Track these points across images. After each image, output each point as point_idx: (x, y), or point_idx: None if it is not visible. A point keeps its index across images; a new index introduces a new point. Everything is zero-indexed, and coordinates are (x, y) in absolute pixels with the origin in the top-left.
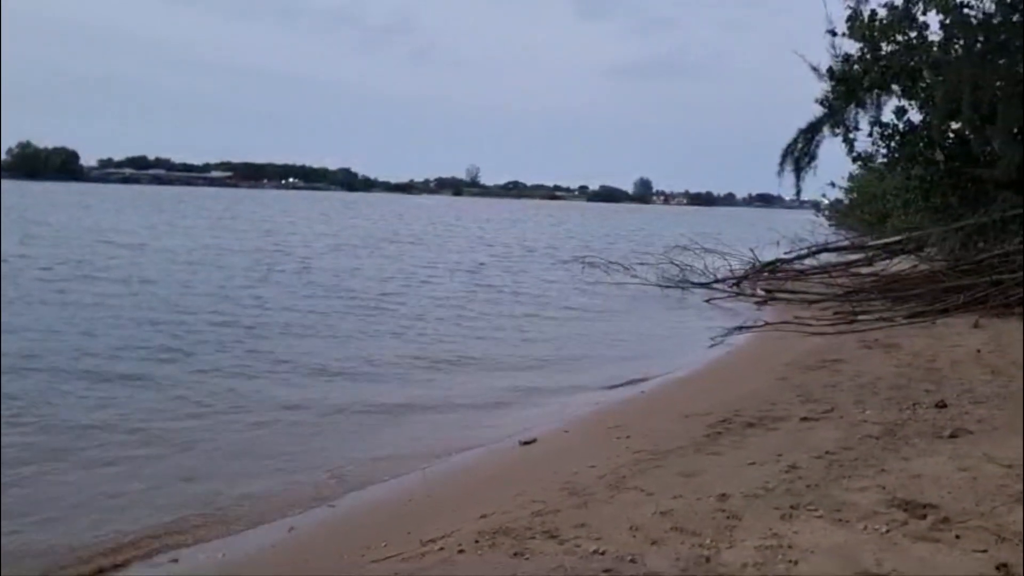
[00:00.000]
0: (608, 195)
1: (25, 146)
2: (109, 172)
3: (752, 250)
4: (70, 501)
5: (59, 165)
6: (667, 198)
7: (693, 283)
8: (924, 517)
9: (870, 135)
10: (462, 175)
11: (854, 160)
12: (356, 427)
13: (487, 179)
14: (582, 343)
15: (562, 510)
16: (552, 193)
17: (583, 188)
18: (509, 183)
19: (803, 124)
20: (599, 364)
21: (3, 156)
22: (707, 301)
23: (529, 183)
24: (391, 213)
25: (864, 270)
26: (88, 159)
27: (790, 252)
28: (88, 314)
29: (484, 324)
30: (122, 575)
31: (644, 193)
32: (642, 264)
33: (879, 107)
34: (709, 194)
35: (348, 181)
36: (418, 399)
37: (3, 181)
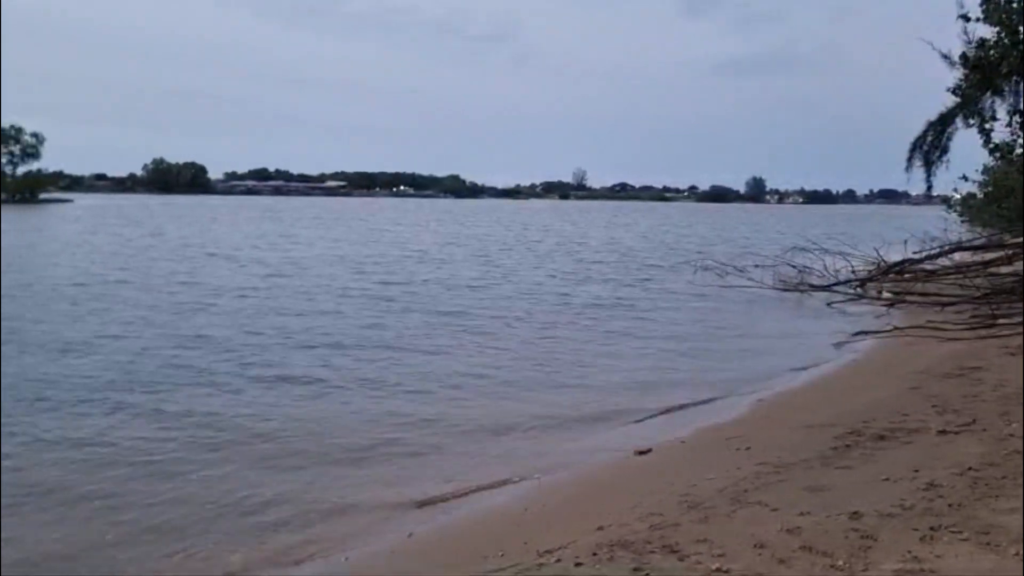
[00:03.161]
0: (719, 195)
1: (159, 162)
2: (234, 184)
3: (877, 250)
4: (202, 511)
5: (189, 179)
6: (781, 196)
7: (813, 286)
8: None
9: (1008, 124)
10: (568, 179)
11: (991, 152)
12: (471, 436)
13: (594, 181)
14: (696, 349)
15: (682, 524)
16: (660, 194)
17: (692, 188)
18: (616, 185)
19: (932, 115)
20: (714, 372)
21: (139, 172)
22: (829, 305)
23: (637, 184)
24: (505, 220)
25: (1004, 269)
26: (215, 172)
27: (920, 251)
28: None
29: (595, 330)
30: None
31: (757, 192)
32: (757, 267)
33: (1018, 94)
34: (827, 192)
35: (456, 188)
36: (529, 407)
37: (141, 195)
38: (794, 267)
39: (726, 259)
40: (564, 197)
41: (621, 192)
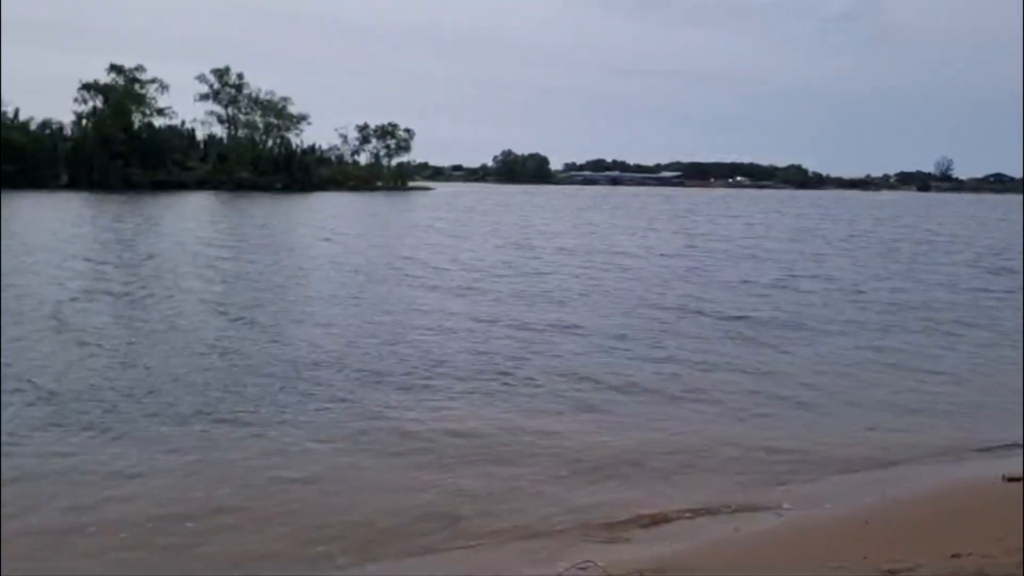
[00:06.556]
0: None
1: (507, 154)
2: (572, 175)
3: None
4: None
5: (533, 170)
6: None
7: None
8: None
9: None
10: (929, 168)
11: None
12: (805, 420)
13: (962, 172)
14: None
15: None
16: None
17: None
18: (990, 176)
19: None
20: None
21: (490, 163)
22: None
23: (1017, 175)
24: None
25: None
26: (555, 163)
27: None
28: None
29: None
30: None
31: None
32: None
33: None
34: None
35: (797, 178)
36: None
37: (491, 184)
38: None
39: None
40: (924, 189)
41: (995, 183)
